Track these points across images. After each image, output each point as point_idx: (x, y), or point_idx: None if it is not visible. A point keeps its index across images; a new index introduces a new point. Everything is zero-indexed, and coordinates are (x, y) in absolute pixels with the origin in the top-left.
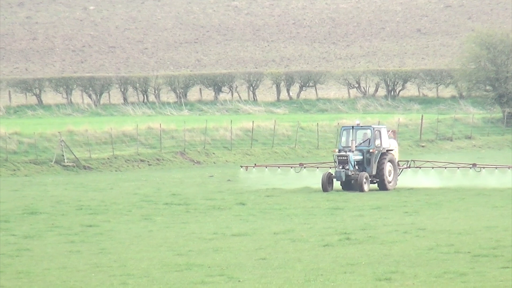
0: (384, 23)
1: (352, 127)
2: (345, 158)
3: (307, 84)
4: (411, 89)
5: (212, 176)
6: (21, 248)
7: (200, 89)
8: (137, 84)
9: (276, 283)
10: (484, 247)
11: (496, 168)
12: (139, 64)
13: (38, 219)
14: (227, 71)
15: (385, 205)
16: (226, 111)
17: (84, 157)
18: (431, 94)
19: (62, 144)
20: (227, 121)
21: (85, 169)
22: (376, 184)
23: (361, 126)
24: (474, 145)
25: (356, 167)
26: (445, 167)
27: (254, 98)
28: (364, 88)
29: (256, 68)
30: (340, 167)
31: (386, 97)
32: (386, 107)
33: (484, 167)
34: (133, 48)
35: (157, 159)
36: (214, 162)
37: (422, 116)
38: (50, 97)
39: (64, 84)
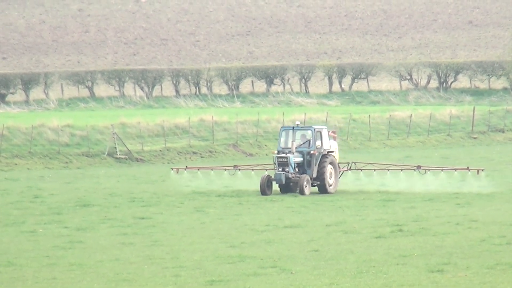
0: (436, 15)
1: (292, 127)
2: (285, 160)
3: (359, 76)
4: (463, 81)
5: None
6: (74, 240)
7: (252, 81)
8: (189, 77)
9: (328, 274)
10: None
11: (441, 170)
12: (191, 57)
13: (91, 211)
14: (279, 63)
15: (437, 196)
16: (278, 103)
17: (137, 150)
18: (483, 85)
19: (115, 137)
20: (279, 113)
21: (137, 161)
22: (317, 187)
23: (301, 127)
24: None
25: (297, 169)
26: (388, 169)
27: (306, 90)
28: (416, 80)
29: (308, 60)
30: (280, 170)
31: (438, 89)
32: (438, 99)
33: (429, 169)
34: (185, 40)
35: (210, 151)
36: (266, 154)
37: (474, 108)
38: (102, 89)
39: (116, 77)
